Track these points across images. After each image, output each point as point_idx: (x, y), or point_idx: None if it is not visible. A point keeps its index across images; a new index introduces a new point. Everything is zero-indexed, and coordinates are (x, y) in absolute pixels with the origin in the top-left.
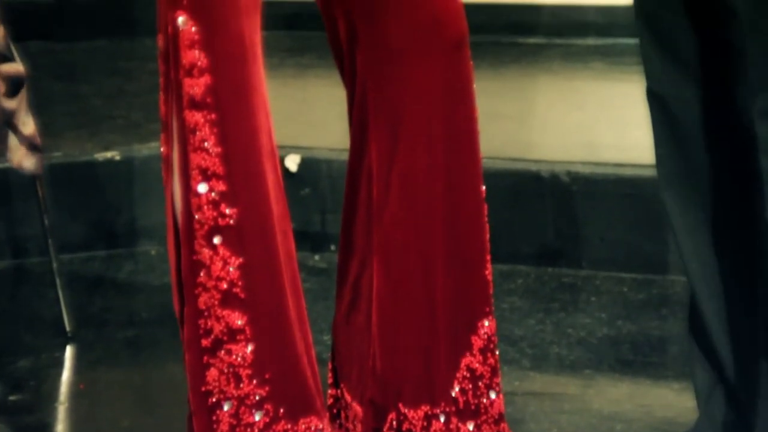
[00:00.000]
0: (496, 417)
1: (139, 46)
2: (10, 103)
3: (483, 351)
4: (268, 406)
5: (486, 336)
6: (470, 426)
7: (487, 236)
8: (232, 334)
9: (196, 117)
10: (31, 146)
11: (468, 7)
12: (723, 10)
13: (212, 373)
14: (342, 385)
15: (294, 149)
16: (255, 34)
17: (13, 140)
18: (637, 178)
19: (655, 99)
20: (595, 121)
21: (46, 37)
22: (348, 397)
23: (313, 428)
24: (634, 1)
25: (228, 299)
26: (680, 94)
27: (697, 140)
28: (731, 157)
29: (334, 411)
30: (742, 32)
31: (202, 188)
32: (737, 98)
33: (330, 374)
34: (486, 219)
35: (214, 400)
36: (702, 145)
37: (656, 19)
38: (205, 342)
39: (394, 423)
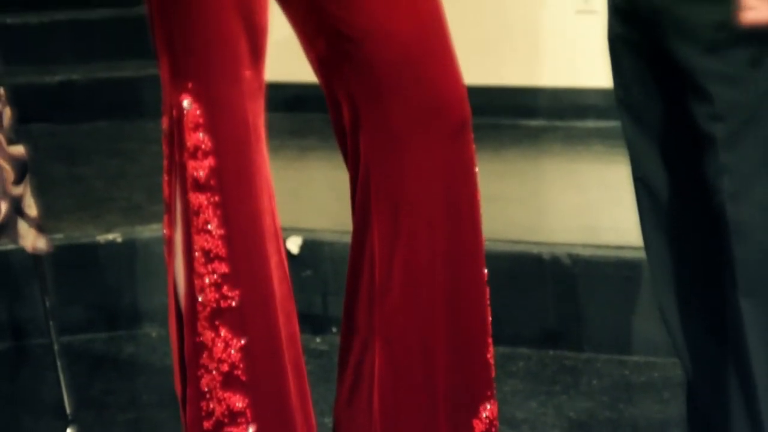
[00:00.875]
0: None
1: (140, 128)
2: (17, 190)
3: None
4: None
5: (488, 420)
6: None
7: (489, 319)
8: (233, 416)
9: (199, 199)
10: (39, 227)
11: (469, 89)
12: (692, 91)
13: None
14: None
15: (296, 231)
16: (258, 118)
17: (22, 225)
18: (638, 261)
19: (639, 184)
20: (595, 203)
21: (48, 120)
22: None
23: None
24: (614, 87)
25: (229, 381)
26: (660, 177)
27: (680, 225)
28: (711, 242)
29: None
30: (712, 115)
31: (204, 270)
32: (709, 181)
33: None
34: (488, 302)
35: None
36: (685, 230)
37: (633, 102)
38: (206, 424)
39: None
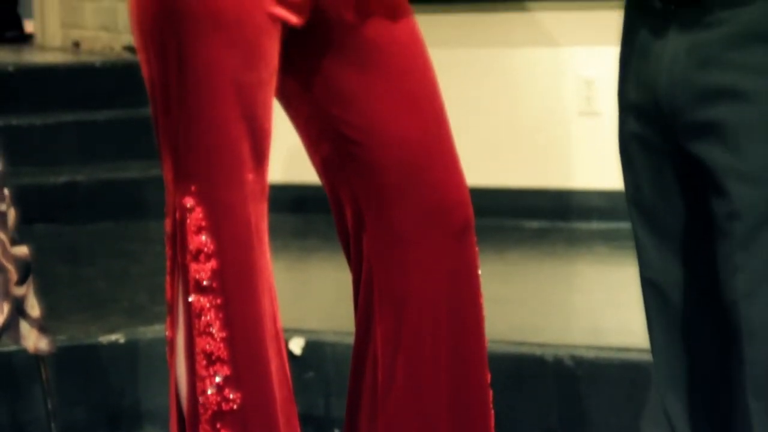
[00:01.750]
0: None
1: (144, 229)
2: (19, 290)
3: None
4: None
5: None
6: None
7: (492, 422)
8: None
9: (201, 301)
10: (41, 327)
11: (472, 191)
12: (710, 188)
13: None
14: None
15: (298, 332)
16: (261, 220)
17: (24, 326)
18: (642, 363)
19: (648, 284)
20: (598, 305)
21: (52, 220)
22: None
23: None
24: (624, 185)
25: None
26: (670, 277)
27: (689, 325)
28: (721, 342)
29: None
30: (729, 214)
31: (206, 372)
32: (722, 280)
33: None
34: (491, 405)
35: None
36: (694, 331)
37: (644, 201)
38: None
39: None
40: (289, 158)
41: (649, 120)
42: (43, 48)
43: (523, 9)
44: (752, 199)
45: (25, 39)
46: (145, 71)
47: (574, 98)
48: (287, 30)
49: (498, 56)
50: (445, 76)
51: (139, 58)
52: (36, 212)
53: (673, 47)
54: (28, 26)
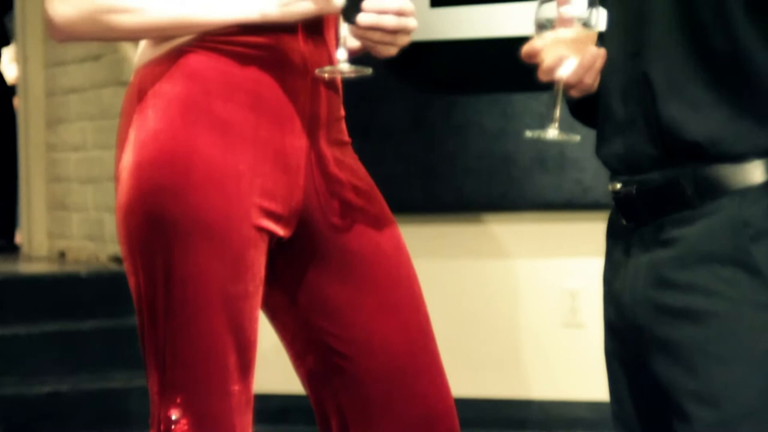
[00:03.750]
0: None
1: None
2: None
3: None
4: None
5: None
6: None
7: None
8: None
9: None
10: None
11: (457, 401)
12: (672, 409)
13: None
14: None
15: None
16: None
17: None
18: None
19: None
20: None
21: (35, 430)
22: None
23: None
24: (610, 400)
25: None
26: None
27: None
28: None
29: None
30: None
31: None
32: None
33: None
34: None
35: None
36: None
37: (626, 417)
38: None
39: None
40: (272, 367)
41: (622, 337)
42: (29, 258)
43: (506, 220)
44: (712, 421)
45: (14, 248)
46: (131, 281)
47: (558, 309)
48: (274, 241)
49: (481, 267)
50: (429, 286)
51: (126, 268)
52: (19, 423)
53: (635, 265)
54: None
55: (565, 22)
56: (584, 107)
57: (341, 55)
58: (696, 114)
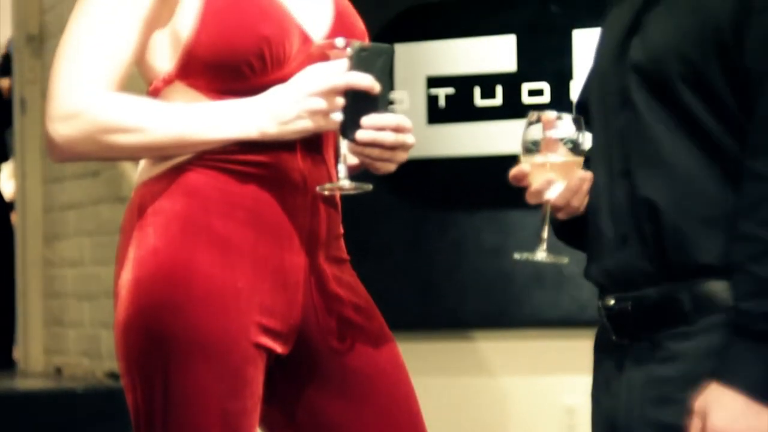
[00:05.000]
0: None
1: None
2: None
3: None
4: None
5: None
6: None
7: None
8: None
9: None
10: None
11: None
12: None
13: None
14: None
15: None
16: None
17: None
18: None
19: None
20: None
21: None
22: None
23: None
24: None
25: None
26: None
27: None
28: None
29: None
30: None
31: None
32: None
33: None
34: None
35: None
36: None
37: None
38: None
39: None
40: None
41: None
42: (26, 374)
43: (504, 337)
44: None
45: (11, 364)
46: (129, 398)
47: (555, 426)
48: (272, 358)
49: (479, 384)
50: (427, 403)
51: (124, 384)
52: None
53: (630, 382)
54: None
55: (551, 144)
56: (569, 228)
57: (341, 171)
58: (708, 232)
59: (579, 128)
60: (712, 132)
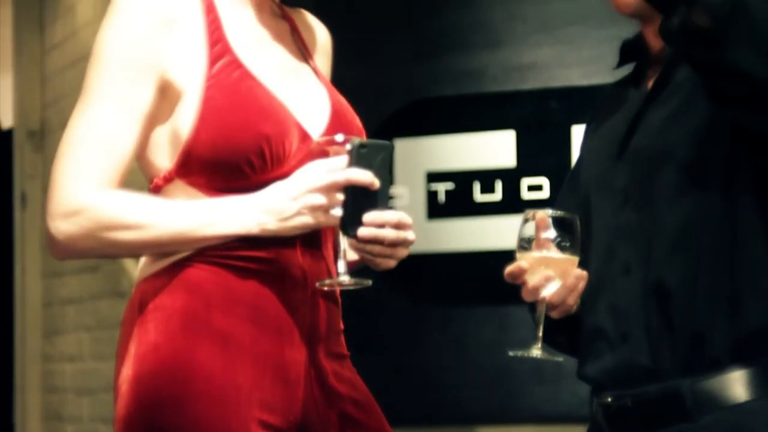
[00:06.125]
0: None
1: None
2: None
3: None
4: None
5: None
6: None
7: None
8: None
9: None
10: None
11: None
12: None
13: None
14: None
15: None
16: None
17: None
18: None
19: None
20: None
21: None
22: None
23: None
24: None
25: None
26: None
27: None
28: None
29: None
30: None
31: None
32: None
33: None
34: None
35: None
36: None
37: None
38: None
39: None
40: None
41: None
42: None
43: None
44: None
45: None
46: None
47: None
48: None
49: None
50: None
51: None
52: None
53: None
54: None
55: (546, 242)
56: (559, 328)
57: (341, 267)
58: (718, 323)
59: (574, 227)
60: (725, 221)
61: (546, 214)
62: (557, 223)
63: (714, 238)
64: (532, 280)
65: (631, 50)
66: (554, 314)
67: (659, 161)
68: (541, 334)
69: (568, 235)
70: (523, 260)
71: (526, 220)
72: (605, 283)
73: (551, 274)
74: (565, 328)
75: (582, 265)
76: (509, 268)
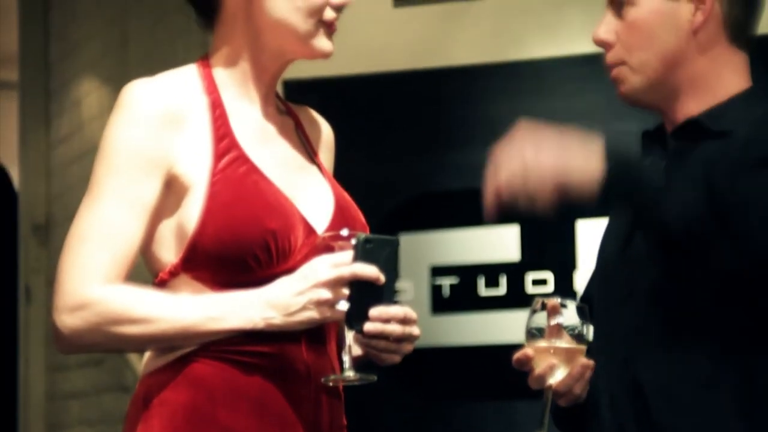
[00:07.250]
0: None
1: None
2: None
3: None
4: None
5: None
6: None
7: None
8: None
9: None
10: None
11: None
12: None
13: None
14: None
15: None
16: None
17: None
18: None
19: None
20: None
21: None
22: None
23: None
24: None
25: None
26: None
27: None
28: None
29: None
30: None
31: None
32: None
33: None
34: None
35: None
36: None
37: None
38: None
39: None
40: None
41: None
42: None
43: None
44: None
45: None
46: None
47: None
48: None
49: None
50: None
51: None
52: None
53: None
54: None
55: (555, 331)
56: (569, 416)
57: (346, 362)
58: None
59: (583, 316)
60: (720, 325)
61: (555, 301)
62: (566, 311)
63: (705, 338)
64: (538, 367)
65: (652, 138)
66: (561, 402)
67: (659, 254)
68: (546, 422)
69: (576, 324)
70: (530, 348)
71: (534, 310)
72: (606, 375)
73: (557, 361)
74: (576, 417)
75: (589, 354)
76: (517, 355)
